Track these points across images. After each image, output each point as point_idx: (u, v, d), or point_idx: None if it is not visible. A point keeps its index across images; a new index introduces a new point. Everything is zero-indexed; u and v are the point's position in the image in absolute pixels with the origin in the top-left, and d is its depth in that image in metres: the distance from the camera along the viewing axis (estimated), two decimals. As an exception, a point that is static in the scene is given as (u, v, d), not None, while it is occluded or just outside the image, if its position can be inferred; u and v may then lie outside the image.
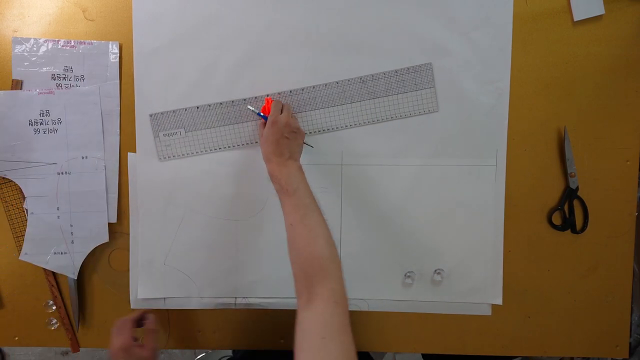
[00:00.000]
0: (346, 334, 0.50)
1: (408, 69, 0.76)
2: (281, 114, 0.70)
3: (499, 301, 0.80)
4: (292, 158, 0.68)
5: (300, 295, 0.55)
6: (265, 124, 0.71)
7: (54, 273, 0.81)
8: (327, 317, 0.52)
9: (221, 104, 0.77)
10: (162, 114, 0.77)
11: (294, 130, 0.69)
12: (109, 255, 0.81)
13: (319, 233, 0.59)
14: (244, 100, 0.77)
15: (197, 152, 0.78)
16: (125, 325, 0.71)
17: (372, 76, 0.76)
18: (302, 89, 0.77)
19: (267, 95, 0.77)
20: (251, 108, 0.74)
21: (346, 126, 0.78)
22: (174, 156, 0.78)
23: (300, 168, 0.67)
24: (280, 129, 0.68)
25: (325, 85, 0.77)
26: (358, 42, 0.77)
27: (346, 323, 0.51)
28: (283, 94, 0.77)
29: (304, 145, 0.73)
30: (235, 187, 0.79)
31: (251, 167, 0.78)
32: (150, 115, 0.77)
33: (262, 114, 0.73)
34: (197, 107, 0.77)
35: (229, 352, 1.15)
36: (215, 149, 0.78)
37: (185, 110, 0.77)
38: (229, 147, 0.78)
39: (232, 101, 0.77)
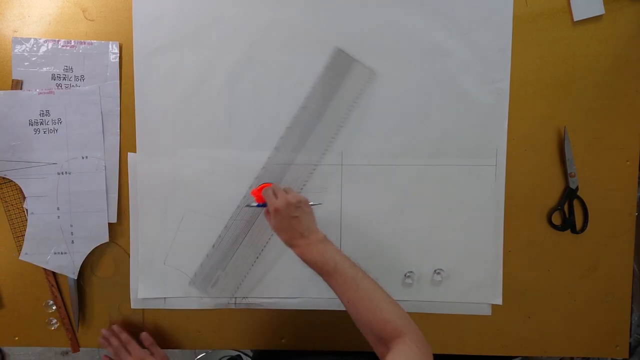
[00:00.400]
0: None
1: (327, 67, 0.76)
2: (277, 198, 0.67)
3: (498, 301, 0.80)
4: (312, 232, 0.66)
5: (382, 355, 0.56)
6: (269, 211, 0.69)
7: (54, 273, 0.81)
8: (410, 354, 0.54)
9: (226, 226, 0.79)
10: (195, 275, 0.80)
11: (297, 206, 0.66)
12: (109, 255, 0.82)
13: (379, 299, 0.59)
14: (238, 207, 0.78)
15: (248, 268, 0.80)
16: (130, 342, 0.77)
17: (307, 98, 0.77)
18: (269, 158, 0.78)
19: (250, 188, 0.78)
20: (251, 205, 0.74)
21: (323, 153, 0.78)
22: (234, 296, 0.81)
23: (325, 238, 0.66)
24: (285, 213, 0.65)
25: (282, 138, 0.77)
26: (358, 42, 0.77)
27: None
28: (260, 177, 0.78)
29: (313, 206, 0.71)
30: (235, 187, 0.79)
31: (251, 167, 0.78)
32: (190, 283, 0.80)
33: (260, 204, 0.72)
34: (213, 246, 0.79)
35: (229, 352, 1.15)
36: (261, 251, 0.80)
37: (207, 256, 0.79)
38: (267, 241, 0.80)
39: (231, 217, 0.79)
